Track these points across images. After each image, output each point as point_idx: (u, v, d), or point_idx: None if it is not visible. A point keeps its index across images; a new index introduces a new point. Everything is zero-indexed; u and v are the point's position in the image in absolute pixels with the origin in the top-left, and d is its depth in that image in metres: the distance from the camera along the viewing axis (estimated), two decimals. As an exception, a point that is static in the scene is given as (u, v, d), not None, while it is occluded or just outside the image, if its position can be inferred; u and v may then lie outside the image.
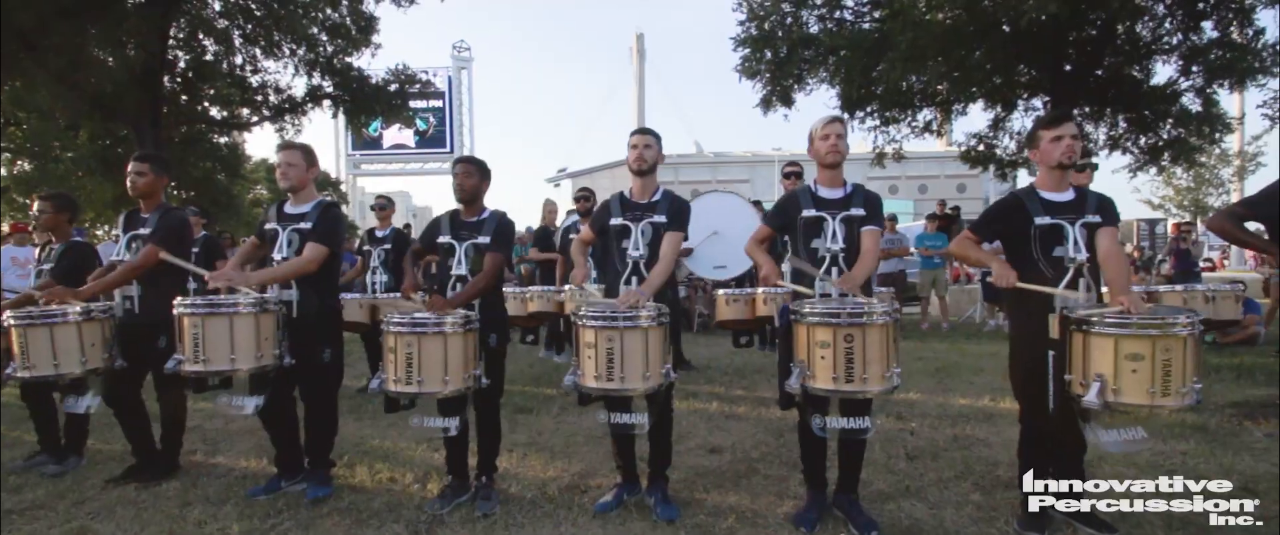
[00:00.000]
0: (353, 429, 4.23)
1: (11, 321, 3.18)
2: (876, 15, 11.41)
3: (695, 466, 3.44)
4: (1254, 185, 27.10)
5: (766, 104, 12.33)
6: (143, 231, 3.33)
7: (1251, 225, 2.72)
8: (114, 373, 3.32)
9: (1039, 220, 2.49)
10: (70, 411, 3.40)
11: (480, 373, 2.81)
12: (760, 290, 4.66)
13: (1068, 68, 11.08)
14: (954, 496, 2.99)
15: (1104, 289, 2.53)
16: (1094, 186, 2.62)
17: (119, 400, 3.36)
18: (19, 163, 17.46)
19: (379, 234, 5.65)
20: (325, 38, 13.27)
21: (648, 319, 2.54)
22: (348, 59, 13.66)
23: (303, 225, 3.09)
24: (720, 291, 4.83)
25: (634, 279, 2.86)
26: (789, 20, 11.63)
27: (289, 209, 3.17)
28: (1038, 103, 11.90)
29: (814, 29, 11.65)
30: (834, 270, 2.69)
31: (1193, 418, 4.03)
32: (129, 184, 3.38)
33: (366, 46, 13.63)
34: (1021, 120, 12.47)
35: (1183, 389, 2.15)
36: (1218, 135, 11.71)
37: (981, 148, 12.93)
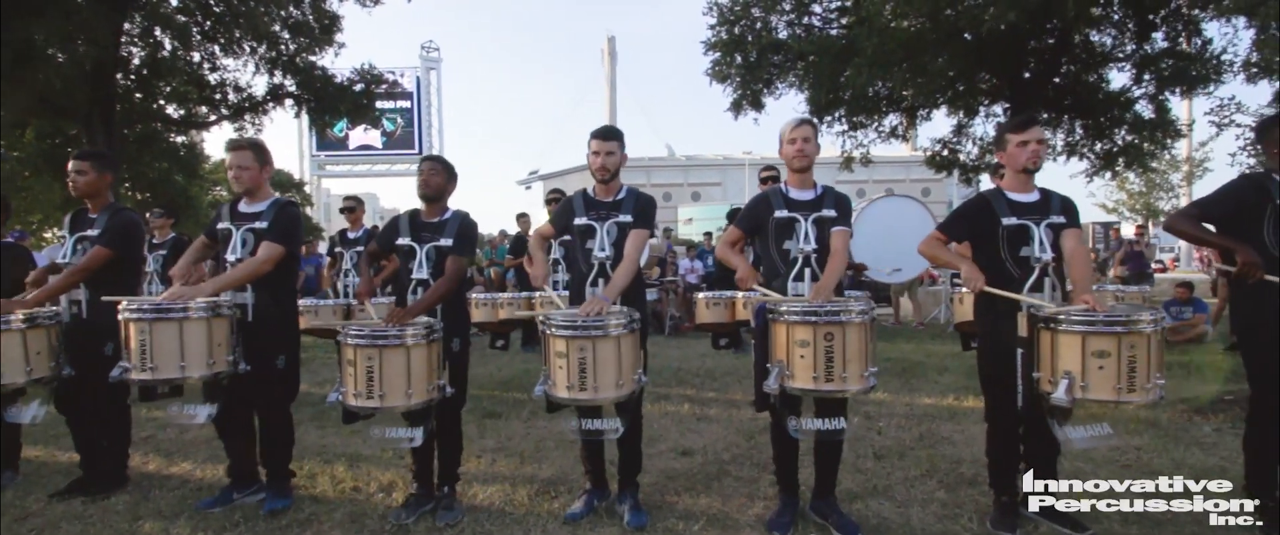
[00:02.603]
0: (315, 437, 4.12)
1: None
2: (844, 22, 11.60)
3: (666, 469, 3.43)
4: (1201, 190, 28.24)
5: (737, 108, 12.43)
6: (90, 233, 3.18)
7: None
8: (64, 381, 3.16)
9: (1006, 221, 2.55)
10: (12, 421, 3.22)
11: (444, 382, 2.74)
12: (740, 294, 4.69)
13: (1027, 75, 11.41)
14: (920, 494, 3.03)
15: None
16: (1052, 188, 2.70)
17: (73, 408, 3.21)
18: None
19: (351, 235, 5.52)
20: (287, 35, 12.93)
21: (618, 327, 2.51)
22: (311, 57, 13.33)
23: (258, 225, 2.95)
24: (700, 294, 4.85)
25: (600, 281, 2.82)
26: (758, 25, 11.75)
27: (243, 207, 3.03)
28: (999, 109, 12.22)
29: (783, 34, 11.78)
30: (806, 272, 2.70)
31: (1146, 414, 4.16)
32: (70, 184, 3.23)
33: (330, 45, 13.31)
34: (983, 126, 12.82)
35: (1147, 385, 2.22)
36: (1169, 141, 12.17)
37: (945, 153, 13.24)
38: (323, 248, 12.49)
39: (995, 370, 2.57)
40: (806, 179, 2.81)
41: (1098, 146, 12.11)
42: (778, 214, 2.75)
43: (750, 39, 11.69)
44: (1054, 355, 2.33)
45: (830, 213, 2.74)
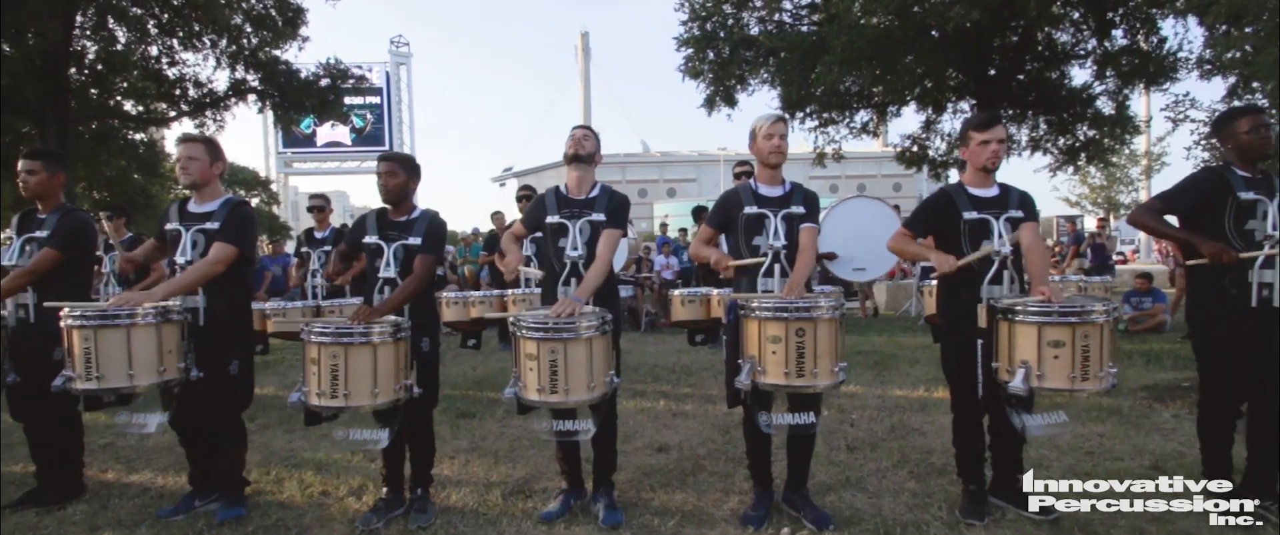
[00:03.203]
0: (283, 441, 4.02)
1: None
2: (814, 19, 11.71)
3: (642, 466, 3.43)
4: (1159, 183, 29.27)
5: (710, 104, 12.47)
6: (39, 234, 3.05)
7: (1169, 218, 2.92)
8: (12, 388, 3.02)
9: (967, 215, 2.62)
10: None
11: (412, 382, 2.69)
12: (716, 291, 4.71)
13: (992, 72, 11.66)
14: (892, 485, 3.08)
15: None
16: (1014, 183, 2.76)
17: (26, 415, 3.08)
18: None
19: (318, 235, 5.39)
20: (249, 28, 12.58)
21: (589, 328, 2.48)
22: (274, 51, 12.99)
23: (209, 225, 2.84)
24: (675, 291, 4.85)
25: (573, 280, 2.80)
26: (730, 21, 11.81)
27: (193, 207, 2.91)
28: (965, 105, 12.47)
29: (754, 30, 11.86)
30: (776, 267, 2.71)
31: (1108, 401, 4.28)
32: (21, 184, 3.09)
33: (294, 39, 12.99)
34: (951, 122, 13.06)
35: (1100, 373, 2.29)
36: (1128, 137, 12.55)
37: (915, 148, 13.46)
38: (290, 247, 12.22)
39: (958, 361, 2.63)
40: (776, 175, 2.82)
41: (1061, 141, 12.44)
42: (747, 210, 2.76)
43: (722, 35, 11.74)
44: (1011, 345, 2.39)
45: (799, 209, 2.76)
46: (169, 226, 2.91)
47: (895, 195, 37.25)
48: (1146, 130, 20.25)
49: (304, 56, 17.30)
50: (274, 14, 12.57)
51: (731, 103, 12.43)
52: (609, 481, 2.90)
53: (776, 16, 11.91)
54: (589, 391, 2.48)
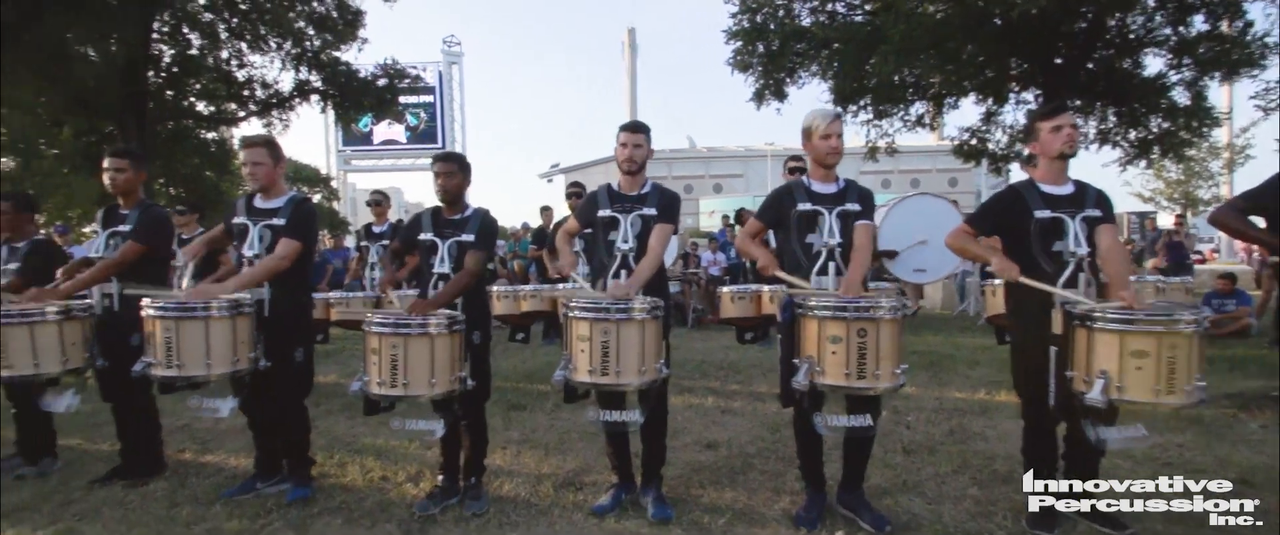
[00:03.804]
0: (345, 427, 4.18)
1: (-10, 320, 3.08)
2: (868, 8, 11.37)
3: (691, 462, 3.41)
4: (1243, 178, 27.34)
5: (759, 98, 12.28)
6: (122, 228, 3.26)
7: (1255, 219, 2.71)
8: (101, 372, 3.24)
9: (1038, 214, 2.47)
10: (48, 410, 3.31)
11: (466, 374, 2.75)
12: (766, 288, 4.64)
13: (1058, 61, 11.09)
14: (952, 491, 2.97)
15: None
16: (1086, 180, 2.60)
17: (114, 396, 3.29)
18: (3, 159, 17.17)
19: (376, 229, 5.58)
20: (311, 31, 13.12)
21: (642, 311, 2.49)
22: (335, 53, 13.51)
23: (275, 221, 2.98)
24: (724, 288, 4.81)
25: (622, 272, 2.80)
26: (781, 13, 11.58)
27: (259, 203, 3.05)
28: (1029, 96, 11.92)
29: (806, 22, 11.60)
30: (831, 266, 2.65)
31: (1188, 411, 4.02)
32: (107, 180, 3.30)
33: (353, 40, 13.50)
34: (1013, 114, 12.49)
35: (1187, 386, 2.13)
36: (1206, 129, 11.76)
37: (974, 142, 12.94)
38: (350, 242, 12.68)
39: (1029, 367, 2.50)
40: (830, 172, 2.76)
41: (1131, 134, 11.75)
42: (801, 207, 2.70)
43: (773, 27, 11.52)
44: (1089, 354, 2.25)
45: (854, 206, 2.68)
46: (237, 220, 3.05)
47: (951, 191, 35.97)
48: (1228, 121, 18.98)
49: (362, 57, 17.88)
50: (335, 16, 13.05)
51: (781, 96, 12.21)
52: (658, 476, 2.90)
53: (829, 7, 11.62)
54: (640, 375, 2.49)
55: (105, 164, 3.30)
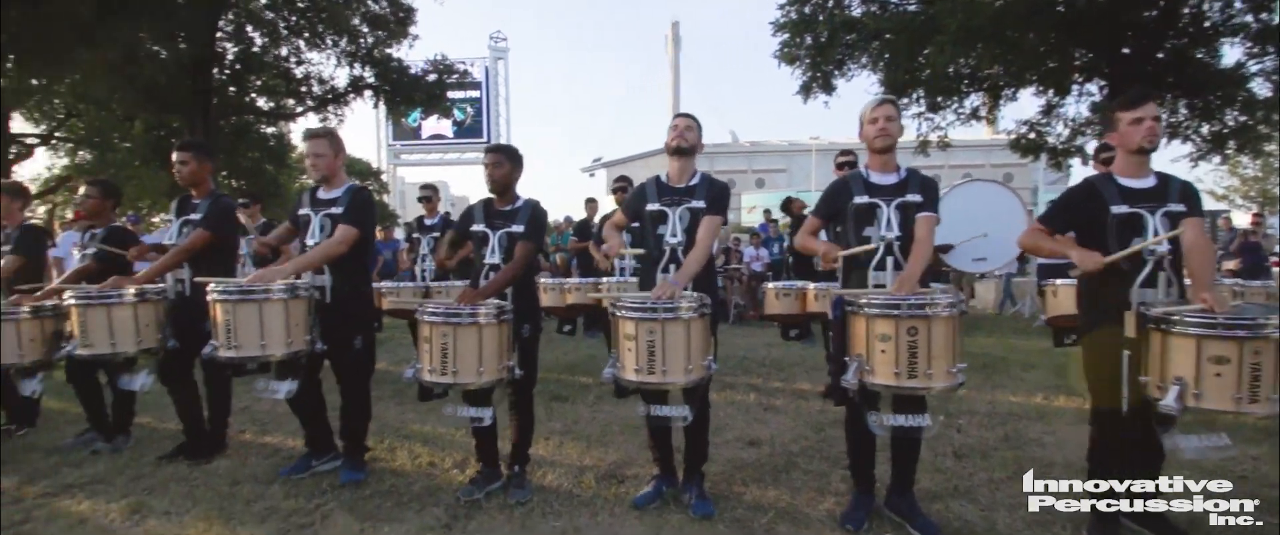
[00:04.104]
0: (395, 413, 4.30)
1: (72, 301, 3.29)
2: (923, -3, 11.03)
3: (733, 459, 3.38)
4: (1329, 176, 25.44)
5: (806, 91, 12.07)
6: (193, 217, 3.42)
7: None
8: (168, 353, 3.42)
9: (1116, 209, 2.33)
10: (124, 389, 3.52)
11: (514, 364, 2.79)
12: (811, 285, 4.57)
13: (1126, 51, 10.53)
14: (1006, 498, 2.86)
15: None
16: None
17: (173, 379, 3.46)
18: (80, 153, 18.27)
19: (428, 221, 5.72)
20: (366, 29, 13.51)
21: (689, 310, 2.47)
22: (387, 50, 13.89)
23: (334, 210, 3.10)
24: (769, 284, 4.76)
25: (671, 266, 2.78)
26: (831, 3, 11.34)
27: (321, 194, 3.19)
28: (1094, 87, 11.37)
29: (857, 12, 11.33)
30: (888, 260, 2.56)
31: (1268, 422, 3.78)
32: (175, 173, 3.46)
33: (405, 37, 13.87)
34: (1076, 106, 11.94)
35: (1274, 395, 1.99)
36: (1288, 122, 11.01)
37: (1032, 135, 12.43)
38: (399, 234, 13.04)
39: (1099, 370, 2.37)
40: (889, 161, 2.65)
41: (1204, 128, 11.09)
42: (857, 199, 2.61)
43: (821, 18, 11.30)
44: (1165, 358, 2.12)
45: (915, 197, 2.58)
46: (301, 212, 3.19)
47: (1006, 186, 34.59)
48: (1315, 114, 17.70)
49: (413, 54, 18.32)
50: (388, 14, 13.42)
51: (829, 89, 11.97)
52: (700, 472, 2.88)
53: (882, -4, 11.32)
54: (686, 374, 2.47)
55: (173, 157, 3.47)
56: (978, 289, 10.90)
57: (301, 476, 3.14)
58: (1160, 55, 10.51)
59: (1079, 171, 13.32)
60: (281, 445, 3.70)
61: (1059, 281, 4.20)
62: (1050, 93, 11.78)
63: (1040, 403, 4.42)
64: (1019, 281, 10.55)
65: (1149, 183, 2.37)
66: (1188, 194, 2.35)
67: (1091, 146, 11.00)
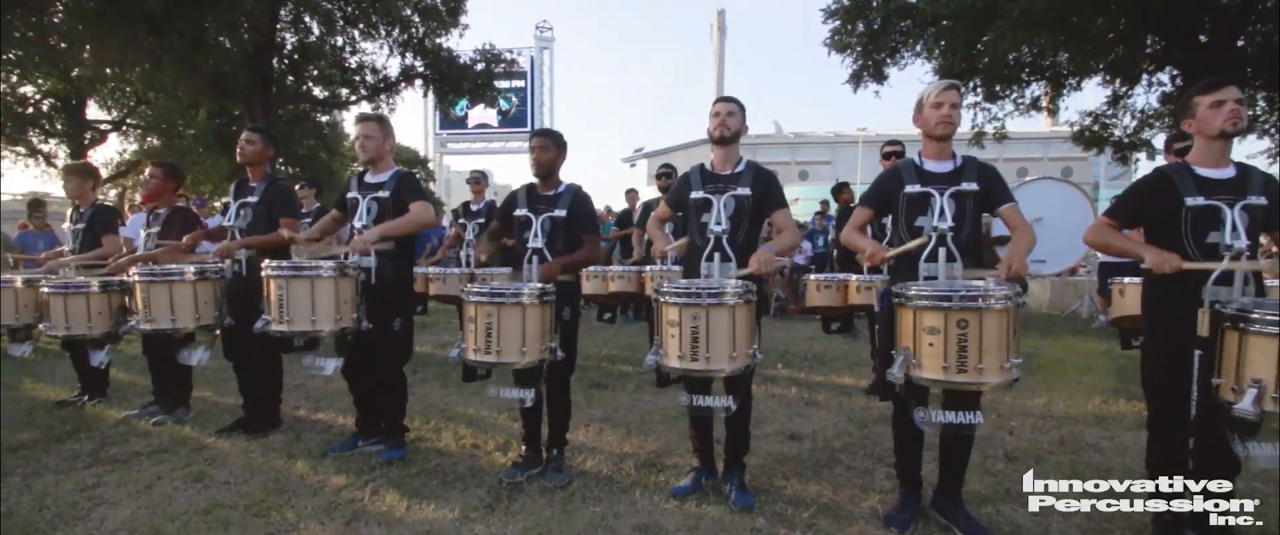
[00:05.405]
0: (440, 395, 4.40)
1: (136, 278, 3.47)
2: (982, -18, 10.57)
3: (773, 452, 3.34)
4: None
5: (857, 79, 11.75)
6: (251, 199, 3.55)
7: None
8: (228, 329, 3.56)
9: (1191, 201, 2.19)
10: (184, 363, 3.69)
11: (556, 345, 2.82)
12: (854, 277, 4.46)
13: (1203, 38, 9.89)
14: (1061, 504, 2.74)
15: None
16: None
17: (235, 355, 3.62)
18: (149, 138, 19.24)
19: (474, 207, 5.81)
20: (417, 19, 13.78)
21: (734, 296, 2.43)
22: (437, 39, 14.14)
23: (381, 194, 3.20)
24: (811, 276, 4.67)
25: (716, 255, 2.74)
26: (885, -11, 10.99)
27: (369, 179, 3.28)
28: (1164, 77, 10.74)
29: (912, -2, 10.95)
30: (940, 252, 2.45)
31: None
32: (238, 150, 3.60)
33: (455, 27, 14.10)
34: (1145, 97, 11.31)
35: None
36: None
37: (1096, 127, 11.83)
38: (445, 221, 13.33)
39: (1164, 372, 2.24)
40: (944, 149, 2.54)
41: (1287, 122, 10.37)
42: (909, 188, 2.51)
43: (875, 4, 10.95)
44: (1241, 359, 1.98)
45: (971, 186, 2.45)
46: (349, 195, 3.30)
47: (1065, 180, 33.16)
48: None
49: (462, 44, 18.65)
50: (439, 4, 13.66)
51: (880, 78, 11.63)
52: (741, 464, 2.85)
53: (939, -19, 10.90)
54: (731, 362, 2.43)
55: (242, 136, 3.62)
56: (1031, 287, 10.47)
57: (350, 453, 3.25)
58: (1240, 41, 9.83)
59: (1145, 166, 12.65)
60: (333, 422, 3.83)
61: (1126, 279, 3.99)
62: (1117, 82, 11.18)
63: (1098, 407, 4.23)
64: (1073, 281, 10.10)
65: (1228, 173, 2.22)
66: (1270, 187, 2.19)
67: (1160, 140, 10.43)
